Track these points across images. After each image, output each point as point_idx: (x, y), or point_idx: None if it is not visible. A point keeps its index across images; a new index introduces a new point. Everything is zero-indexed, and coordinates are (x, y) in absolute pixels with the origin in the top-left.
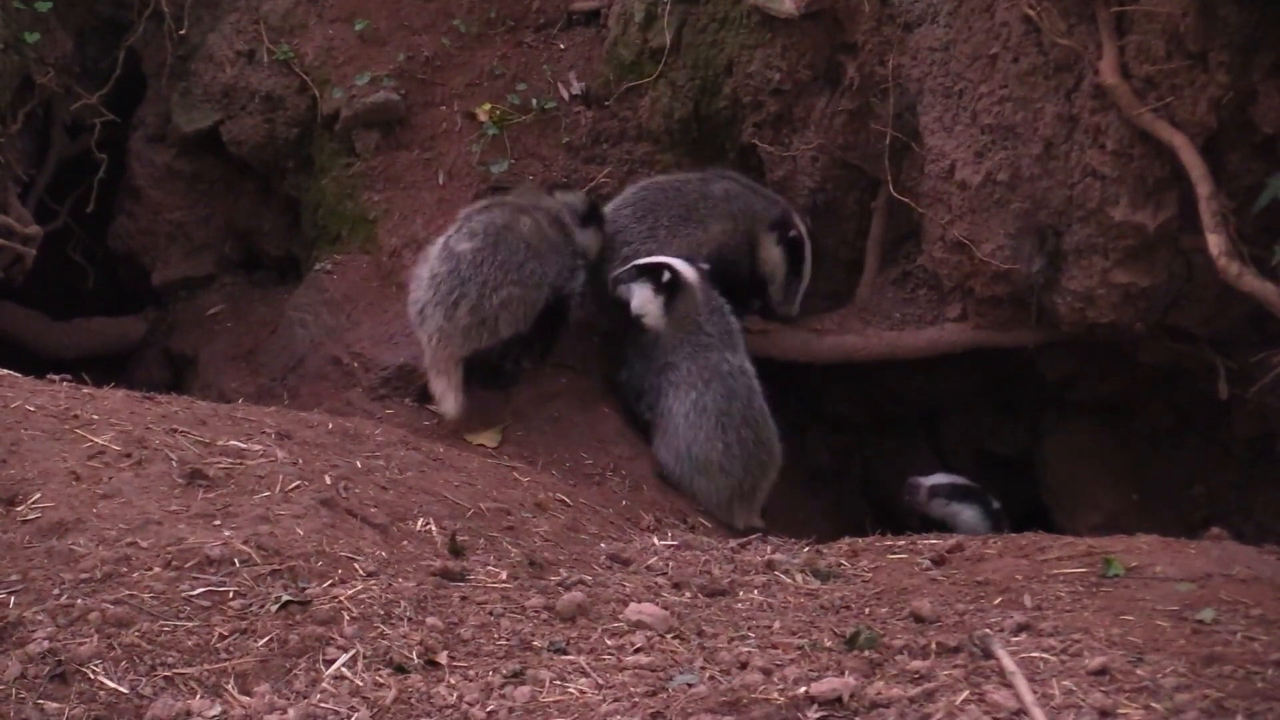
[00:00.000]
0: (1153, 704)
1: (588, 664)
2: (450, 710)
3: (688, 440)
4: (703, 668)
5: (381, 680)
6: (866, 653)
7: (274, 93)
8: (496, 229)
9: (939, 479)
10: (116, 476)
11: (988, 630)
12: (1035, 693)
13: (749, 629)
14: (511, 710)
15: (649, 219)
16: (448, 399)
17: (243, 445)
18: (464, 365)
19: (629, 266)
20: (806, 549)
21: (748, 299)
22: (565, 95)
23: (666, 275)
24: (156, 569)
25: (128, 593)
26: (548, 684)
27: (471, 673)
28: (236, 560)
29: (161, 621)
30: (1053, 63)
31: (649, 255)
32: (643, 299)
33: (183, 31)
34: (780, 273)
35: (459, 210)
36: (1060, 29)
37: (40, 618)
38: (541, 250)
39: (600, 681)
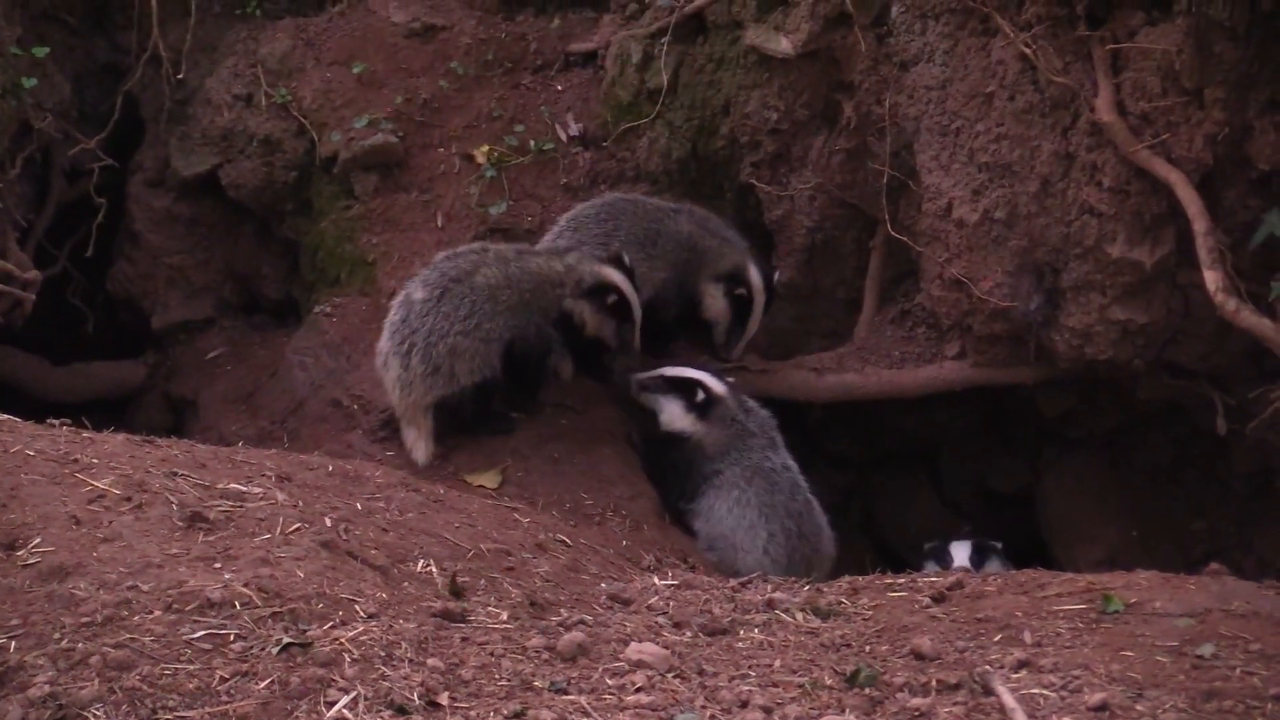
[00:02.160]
0: None
1: (589, 704)
2: None
3: (731, 527)
4: (704, 707)
5: None
6: (867, 690)
7: (272, 136)
8: (448, 280)
9: (960, 557)
10: (117, 520)
11: (988, 667)
12: None
13: (750, 668)
14: None
15: (609, 224)
16: (418, 448)
17: (243, 488)
18: (434, 414)
19: (656, 375)
20: (807, 587)
21: (671, 338)
22: (563, 136)
23: (700, 395)
24: (157, 612)
25: (128, 636)
26: None
27: (473, 713)
28: (237, 603)
29: (162, 665)
30: (1049, 100)
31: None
32: (673, 414)
33: (180, 76)
34: (724, 321)
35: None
36: (1056, 67)
37: (41, 662)
38: (496, 305)
39: None
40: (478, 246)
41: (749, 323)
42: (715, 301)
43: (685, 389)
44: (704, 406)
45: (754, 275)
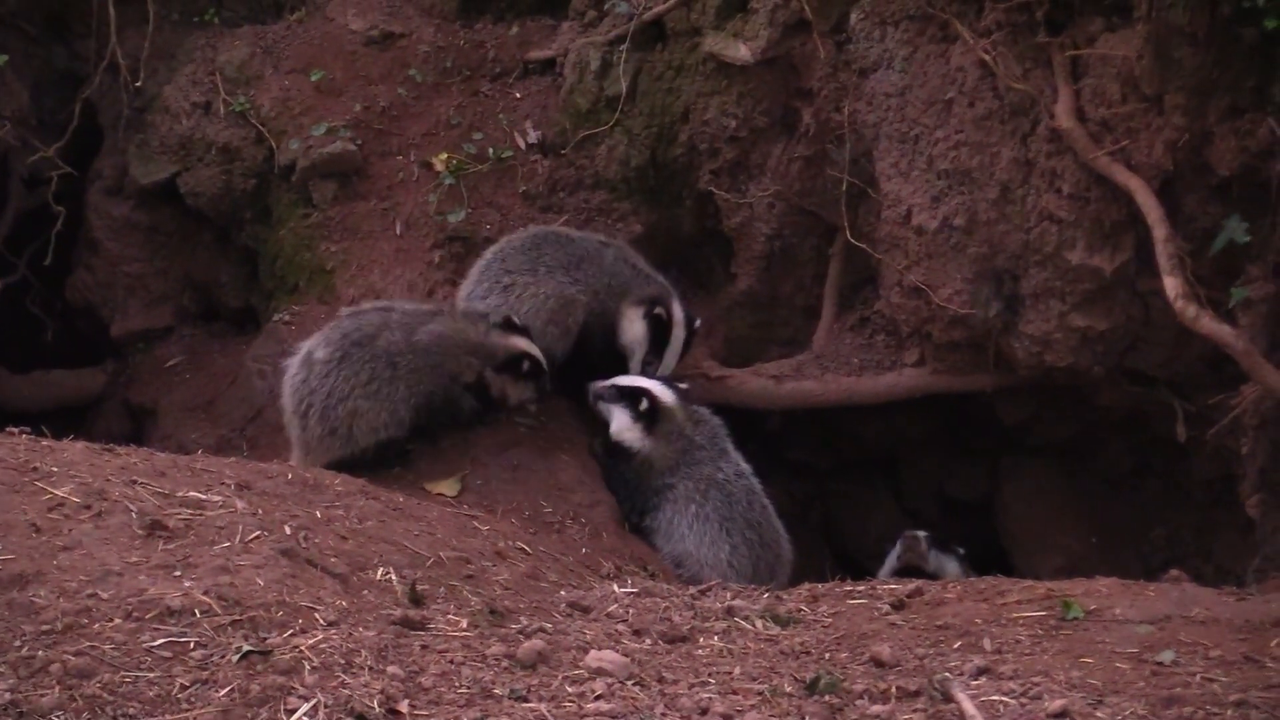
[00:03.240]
0: None
1: (549, 711)
2: None
3: (695, 544)
4: (663, 714)
5: None
6: (827, 698)
7: (230, 144)
8: (351, 342)
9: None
10: (77, 528)
11: (948, 674)
12: None
13: (709, 675)
14: None
15: (533, 252)
16: None
17: (202, 496)
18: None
19: (610, 384)
20: (766, 595)
21: (593, 371)
22: (522, 144)
23: (645, 403)
24: (117, 620)
25: (89, 644)
26: None
27: None
28: (197, 611)
29: (123, 672)
30: (1008, 107)
31: (524, 286)
32: (621, 424)
33: (139, 84)
34: (641, 349)
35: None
36: (1015, 73)
37: (1, 670)
38: (395, 371)
39: None
40: (383, 305)
41: (666, 352)
42: (633, 325)
43: (632, 398)
44: (650, 415)
45: (676, 307)
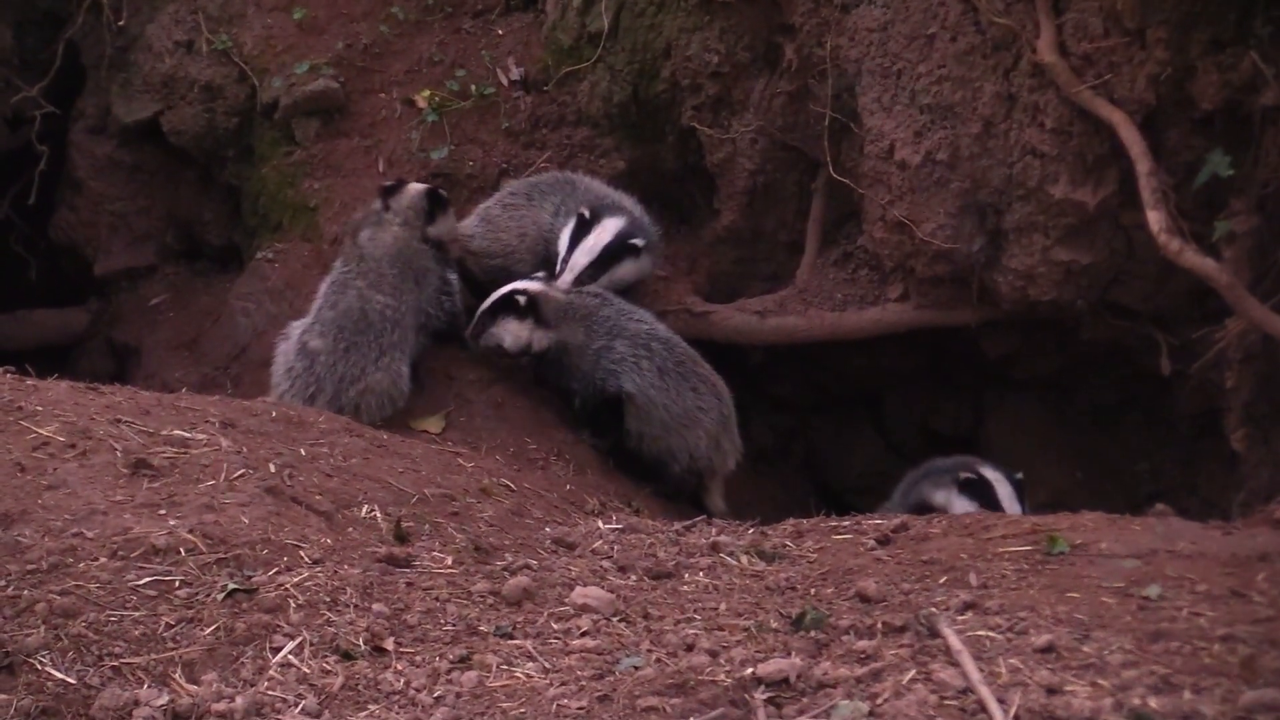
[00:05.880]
0: (1099, 681)
1: (534, 648)
2: (397, 696)
3: (664, 404)
4: (649, 650)
5: (328, 667)
6: (813, 633)
7: (213, 82)
8: (349, 334)
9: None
10: (61, 467)
11: (934, 609)
12: (982, 671)
13: (695, 611)
14: (459, 695)
15: (528, 188)
16: None
17: (187, 434)
18: None
19: (477, 316)
20: (751, 530)
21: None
22: (504, 80)
23: (522, 299)
24: (103, 559)
25: (74, 583)
26: (494, 669)
27: (418, 658)
28: (182, 549)
29: (108, 611)
30: (990, 42)
31: (510, 217)
32: (514, 332)
33: (121, 22)
34: (564, 250)
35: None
36: (998, 8)
37: None
38: (402, 318)
39: (547, 665)
40: (350, 272)
41: (579, 249)
42: (564, 232)
43: (505, 306)
44: (532, 307)
45: (611, 218)
